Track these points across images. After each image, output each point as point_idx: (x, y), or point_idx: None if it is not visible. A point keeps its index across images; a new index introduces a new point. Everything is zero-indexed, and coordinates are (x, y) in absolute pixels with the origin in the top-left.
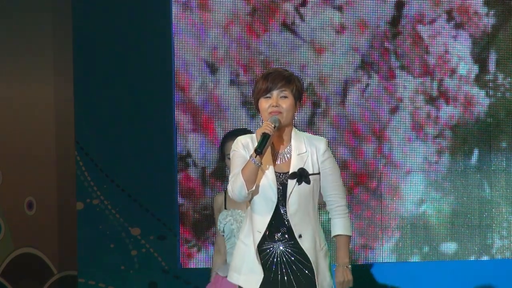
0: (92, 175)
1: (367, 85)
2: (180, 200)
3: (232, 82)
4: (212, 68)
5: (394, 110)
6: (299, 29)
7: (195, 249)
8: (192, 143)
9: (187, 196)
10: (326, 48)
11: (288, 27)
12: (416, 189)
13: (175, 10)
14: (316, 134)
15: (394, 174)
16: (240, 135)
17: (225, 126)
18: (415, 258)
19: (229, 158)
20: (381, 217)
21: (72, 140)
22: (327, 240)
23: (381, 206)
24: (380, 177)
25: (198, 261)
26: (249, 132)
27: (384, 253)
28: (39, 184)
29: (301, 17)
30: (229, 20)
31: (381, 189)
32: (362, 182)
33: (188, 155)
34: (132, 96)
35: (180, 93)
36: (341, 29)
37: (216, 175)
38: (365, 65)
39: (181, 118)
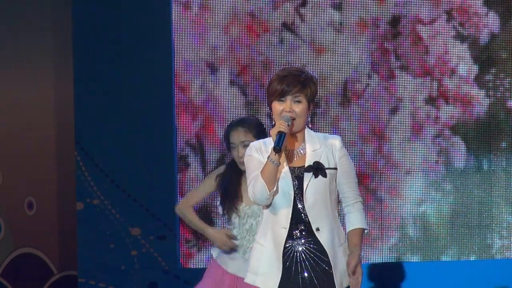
0: (92, 175)
1: (367, 85)
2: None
3: (232, 82)
4: (212, 68)
5: (394, 110)
6: (299, 29)
7: (195, 249)
8: (192, 143)
9: None
10: (326, 48)
11: (288, 27)
12: (416, 189)
13: (175, 10)
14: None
15: (394, 174)
16: (245, 122)
17: (225, 126)
18: (415, 258)
19: (234, 147)
20: (381, 217)
21: (72, 140)
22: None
23: (381, 206)
24: (380, 177)
25: (198, 261)
26: (255, 119)
27: (384, 253)
28: (39, 184)
29: (301, 17)
30: (229, 20)
31: (381, 189)
32: (362, 182)
33: (188, 155)
34: (132, 96)
35: (180, 94)
36: (341, 29)
37: None
38: (365, 65)
39: (181, 118)
